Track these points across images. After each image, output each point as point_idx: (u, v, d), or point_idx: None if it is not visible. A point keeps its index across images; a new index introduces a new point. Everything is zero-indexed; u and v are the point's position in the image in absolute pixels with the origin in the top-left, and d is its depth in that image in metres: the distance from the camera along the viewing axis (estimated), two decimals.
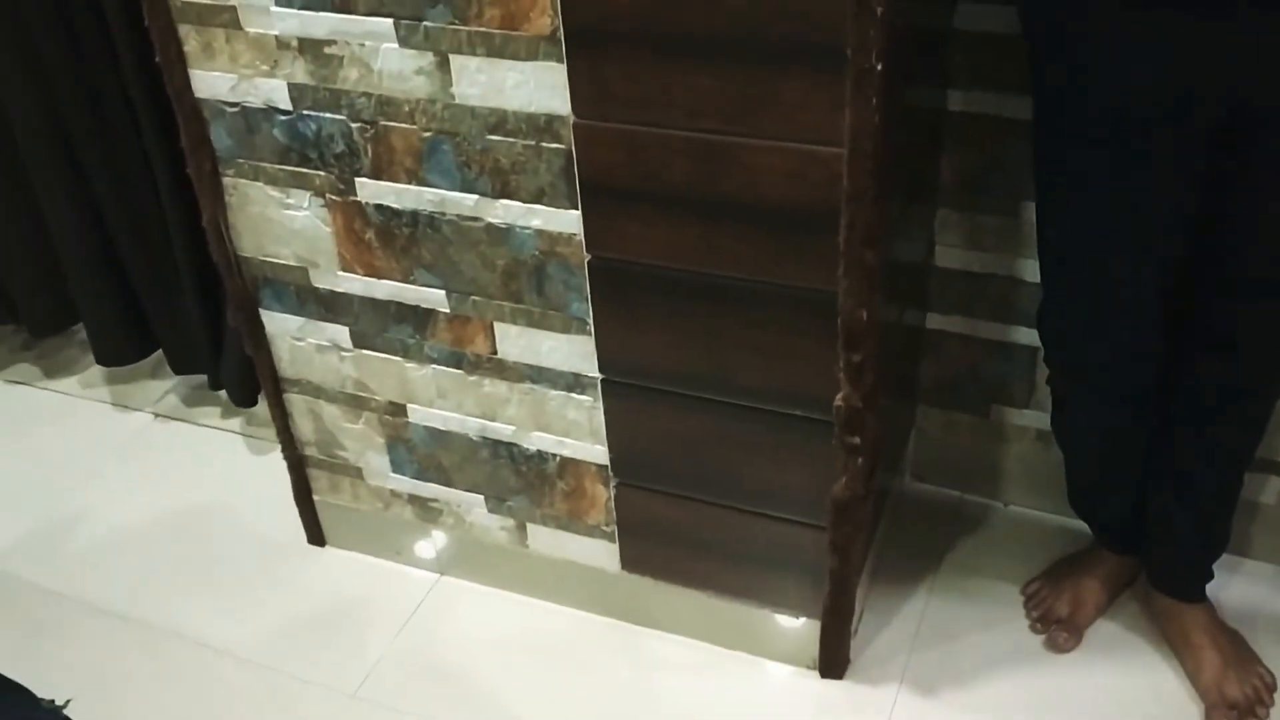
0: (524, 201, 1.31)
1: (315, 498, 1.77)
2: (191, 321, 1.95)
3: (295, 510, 1.79)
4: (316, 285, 1.51)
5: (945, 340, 1.68)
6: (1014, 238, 1.56)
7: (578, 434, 1.48)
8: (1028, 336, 1.63)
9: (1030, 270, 1.58)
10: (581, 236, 1.30)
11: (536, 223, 1.32)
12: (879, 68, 1.06)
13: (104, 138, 1.84)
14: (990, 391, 1.71)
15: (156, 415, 2.14)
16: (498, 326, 1.43)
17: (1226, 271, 1.23)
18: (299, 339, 1.58)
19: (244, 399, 1.92)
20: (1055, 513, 1.72)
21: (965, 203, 1.56)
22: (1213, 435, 1.38)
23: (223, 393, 1.99)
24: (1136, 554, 1.56)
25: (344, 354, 1.56)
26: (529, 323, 1.41)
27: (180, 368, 2.07)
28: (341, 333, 1.54)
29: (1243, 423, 1.37)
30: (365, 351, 1.54)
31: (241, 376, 1.88)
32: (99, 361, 2.10)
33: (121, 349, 2.07)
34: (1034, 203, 1.51)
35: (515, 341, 1.43)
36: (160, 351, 2.08)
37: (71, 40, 1.76)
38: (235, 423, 2.08)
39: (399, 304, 1.47)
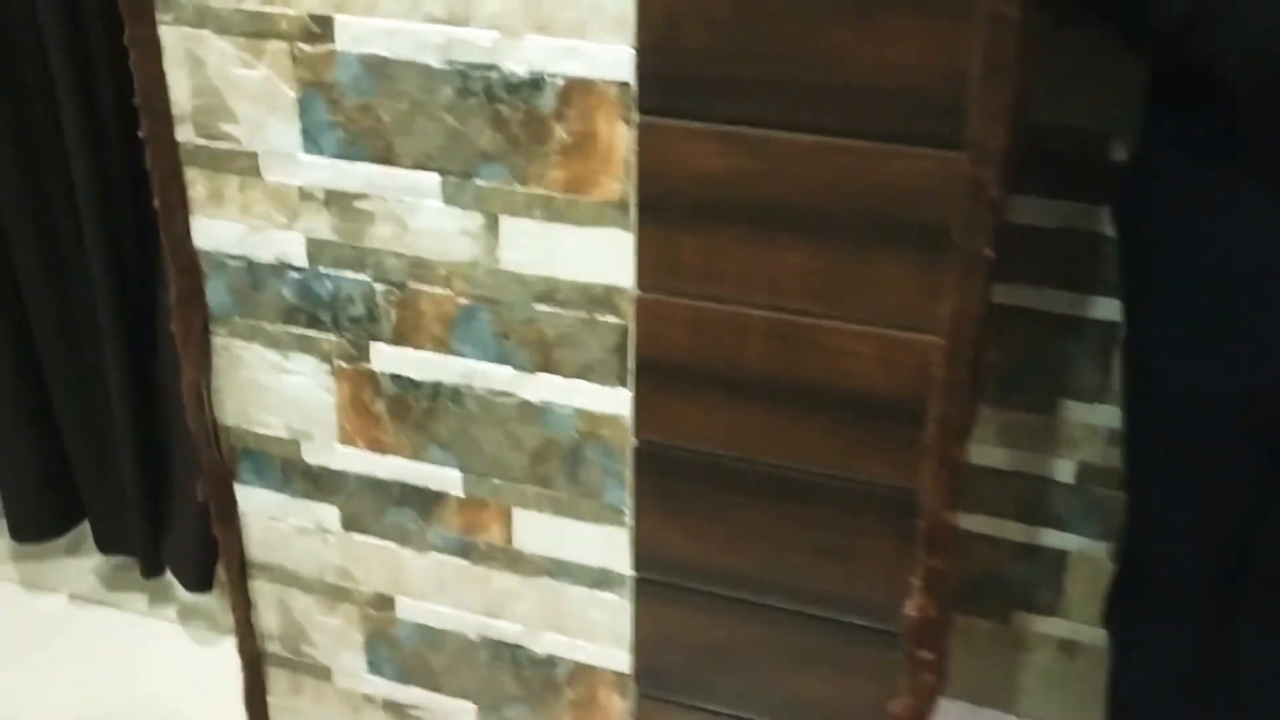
0: (567, 377, 1.20)
1: (270, 699, 1.56)
2: (128, 495, 1.75)
3: (243, 715, 1.57)
4: (308, 460, 1.36)
5: (967, 540, 1.60)
6: (1048, 436, 1.50)
7: (598, 637, 1.32)
8: (1057, 539, 1.56)
9: (1062, 470, 1.52)
10: (629, 418, 1.19)
11: (579, 401, 1.20)
12: (989, 254, 1.00)
13: (51, 275, 1.67)
14: (1013, 596, 1.62)
15: (73, 598, 1.90)
16: (517, 513, 1.29)
17: None
18: (277, 519, 1.41)
19: (199, 583, 1.72)
20: None
21: (998, 398, 1.50)
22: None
23: (163, 578, 1.78)
24: None
25: (329, 537, 1.40)
26: (555, 510, 1.27)
27: (108, 545, 1.85)
28: (330, 514, 1.38)
29: None
30: (356, 535, 1.38)
31: (197, 557, 1.68)
32: (15, 537, 1.87)
33: (43, 522, 1.85)
34: (1072, 401, 1.48)
35: (536, 531, 1.29)
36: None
37: (27, 168, 1.61)
38: (169, 610, 1.86)
39: (404, 484, 1.32)
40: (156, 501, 1.74)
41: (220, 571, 1.72)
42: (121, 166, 1.56)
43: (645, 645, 1.31)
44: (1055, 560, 1.57)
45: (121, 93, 1.50)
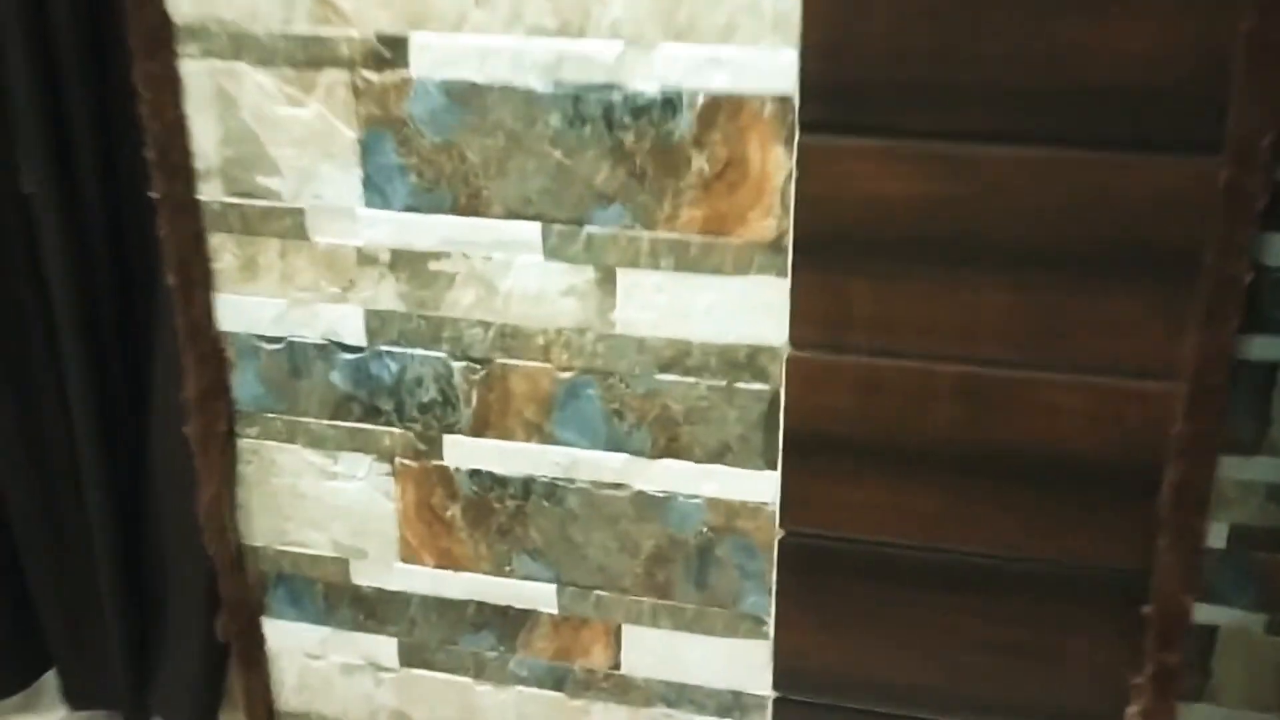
0: (698, 461, 0.99)
1: None
2: (106, 637, 1.48)
3: None
4: (358, 582, 1.12)
5: None
6: None
7: None
8: (1205, 613, 1.37)
9: (1213, 533, 1.34)
10: (775, 506, 0.98)
11: (710, 489, 1.00)
12: (1248, 278, 0.83)
13: (9, 365, 1.39)
14: None
15: None
16: (627, 631, 1.07)
17: None
18: (317, 657, 1.17)
19: None
20: None
21: None
22: None
23: None
24: None
25: (383, 675, 1.16)
26: (676, 624, 1.06)
27: (79, 699, 1.56)
28: (385, 647, 1.14)
29: None
30: (417, 671, 1.15)
31: (196, 703, 1.41)
32: None
33: (2, 676, 1.56)
34: (1224, 455, 1.31)
35: (650, 650, 1.07)
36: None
37: None
38: None
39: (481, 604, 1.10)
40: (143, 639, 1.46)
41: (224, 717, 1.46)
42: (97, 226, 1.29)
43: None
44: (1203, 637, 1.39)
45: (100, 129, 1.24)
